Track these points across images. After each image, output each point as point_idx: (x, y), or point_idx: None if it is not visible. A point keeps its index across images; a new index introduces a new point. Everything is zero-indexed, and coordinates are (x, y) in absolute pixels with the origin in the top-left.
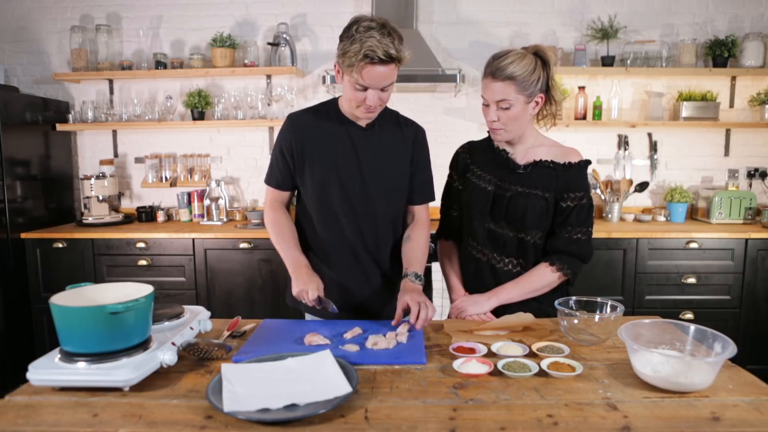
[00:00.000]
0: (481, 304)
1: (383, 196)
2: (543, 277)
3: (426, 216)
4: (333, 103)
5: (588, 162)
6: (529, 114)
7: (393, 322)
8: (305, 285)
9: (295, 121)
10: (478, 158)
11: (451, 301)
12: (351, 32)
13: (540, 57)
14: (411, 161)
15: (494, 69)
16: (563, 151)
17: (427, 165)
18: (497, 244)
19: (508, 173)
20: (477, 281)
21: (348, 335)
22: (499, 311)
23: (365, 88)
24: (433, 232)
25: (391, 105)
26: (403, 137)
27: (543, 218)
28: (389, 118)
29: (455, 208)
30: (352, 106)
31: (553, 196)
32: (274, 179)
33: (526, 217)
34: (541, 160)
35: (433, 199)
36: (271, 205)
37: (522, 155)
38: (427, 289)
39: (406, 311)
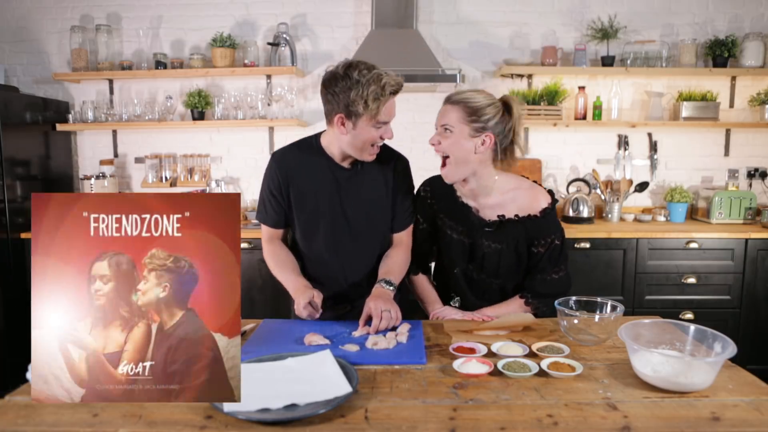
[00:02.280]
0: (467, 314)
1: (368, 237)
2: (518, 308)
3: (407, 240)
4: (315, 142)
5: (554, 203)
6: (474, 152)
7: (355, 333)
8: (306, 298)
9: (280, 159)
10: (443, 206)
11: (428, 312)
12: (351, 78)
13: (505, 103)
14: (392, 191)
15: (451, 95)
16: (526, 196)
17: (408, 193)
18: (479, 293)
19: (477, 228)
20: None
21: (356, 333)
22: None
23: (385, 123)
24: None
25: None
26: (384, 171)
27: (518, 269)
28: None
29: (424, 245)
30: (365, 148)
31: (524, 244)
32: (270, 219)
33: (500, 270)
34: (506, 218)
35: (412, 222)
36: (269, 239)
37: (485, 208)
38: None
39: (370, 318)
